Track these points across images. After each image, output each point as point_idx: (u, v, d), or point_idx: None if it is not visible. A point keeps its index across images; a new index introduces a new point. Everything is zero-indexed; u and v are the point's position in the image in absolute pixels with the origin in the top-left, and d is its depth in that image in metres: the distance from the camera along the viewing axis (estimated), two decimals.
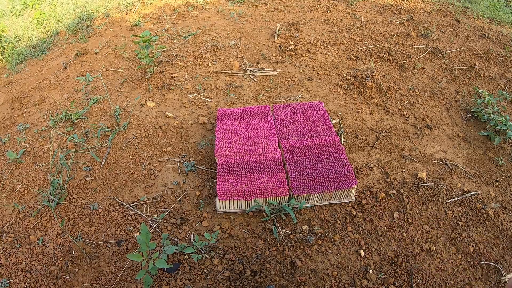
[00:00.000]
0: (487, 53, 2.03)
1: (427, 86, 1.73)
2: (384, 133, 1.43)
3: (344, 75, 1.77)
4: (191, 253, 0.96)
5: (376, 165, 1.28)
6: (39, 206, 1.14)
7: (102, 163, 1.27)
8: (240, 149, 1.21)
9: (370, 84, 1.65)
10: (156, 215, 1.09)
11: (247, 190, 1.07)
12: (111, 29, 2.50)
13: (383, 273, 0.96)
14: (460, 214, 1.14)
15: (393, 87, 1.67)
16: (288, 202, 1.09)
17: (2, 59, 2.42)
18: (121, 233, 1.05)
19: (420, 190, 1.19)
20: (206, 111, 1.51)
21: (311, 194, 1.10)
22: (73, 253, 0.99)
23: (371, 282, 0.94)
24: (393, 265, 0.99)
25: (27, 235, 1.07)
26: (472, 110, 1.57)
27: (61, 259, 0.99)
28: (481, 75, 1.86)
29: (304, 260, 0.97)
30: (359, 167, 1.27)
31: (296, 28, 2.24)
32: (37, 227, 1.09)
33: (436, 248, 1.05)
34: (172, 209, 1.11)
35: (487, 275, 1.00)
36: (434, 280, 0.98)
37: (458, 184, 1.23)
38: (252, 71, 1.78)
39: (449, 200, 1.17)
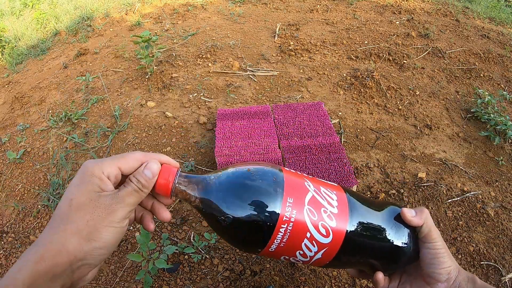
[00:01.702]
0: (487, 53, 2.03)
1: (427, 86, 1.73)
2: (384, 133, 1.43)
3: (344, 75, 1.77)
4: (191, 253, 0.96)
5: (376, 165, 1.28)
6: (39, 206, 1.14)
7: None
8: (240, 149, 1.22)
9: (370, 84, 1.65)
10: None
11: None
12: (111, 29, 2.50)
13: None
14: (460, 214, 1.14)
15: (393, 87, 1.67)
16: None
17: (2, 59, 2.42)
18: None
19: (420, 190, 1.19)
20: (206, 111, 1.51)
21: None
22: None
23: (371, 282, 0.94)
24: None
25: (27, 235, 1.07)
26: (472, 110, 1.57)
27: None
28: (481, 75, 1.86)
29: None
30: (359, 167, 1.27)
31: (296, 28, 2.24)
32: (37, 227, 1.09)
33: None
34: (172, 209, 1.11)
35: (487, 275, 1.00)
36: None
37: (458, 184, 1.23)
38: (252, 71, 1.78)
39: (449, 200, 1.17)
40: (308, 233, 0.43)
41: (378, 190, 1.19)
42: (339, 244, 0.44)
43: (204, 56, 1.90)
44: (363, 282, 0.93)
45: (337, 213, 0.45)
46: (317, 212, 0.44)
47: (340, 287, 0.92)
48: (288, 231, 0.42)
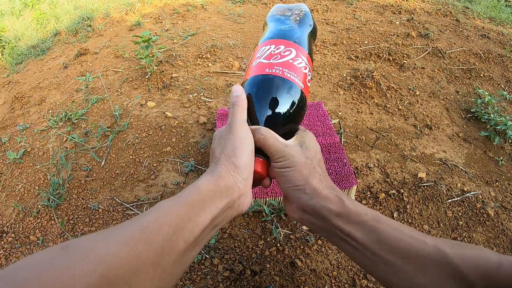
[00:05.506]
0: (487, 53, 2.03)
1: (427, 86, 1.73)
2: (384, 133, 1.43)
3: (344, 75, 1.77)
4: None
5: (376, 165, 1.28)
6: (39, 206, 1.14)
7: (102, 163, 1.27)
8: None
9: (370, 84, 1.65)
10: None
11: None
12: (111, 29, 2.50)
13: None
14: (460, 214, 1.14)
15: (393, 87, 1.67)
16: None
17: (2, 59, 2.42)
18: None
19: (420, 190, 1.19)
20: (206, 111, 1.51)
21: None
22: None
23: (371, 282, 0.94)
24: None
25: (27, 235, 1.07)
26: (472, 110, 1.57)
27: None
28: (481, 75, 1.86)
29: (304, 260, 0.97)
30: (359, 167, 1.27)
31: None
32: (37, 227, 1.09)
33: None
34: None
35: None
36: None
37: (458, 184, 1.23)
38: None
39: (449, 200, 1.17)
40: None
41: (378, 190, 1.19)
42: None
43: (204, 56, 1.90)
44: (363, 282, 0.93)
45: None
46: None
47: (340, 287, 0.92)
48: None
